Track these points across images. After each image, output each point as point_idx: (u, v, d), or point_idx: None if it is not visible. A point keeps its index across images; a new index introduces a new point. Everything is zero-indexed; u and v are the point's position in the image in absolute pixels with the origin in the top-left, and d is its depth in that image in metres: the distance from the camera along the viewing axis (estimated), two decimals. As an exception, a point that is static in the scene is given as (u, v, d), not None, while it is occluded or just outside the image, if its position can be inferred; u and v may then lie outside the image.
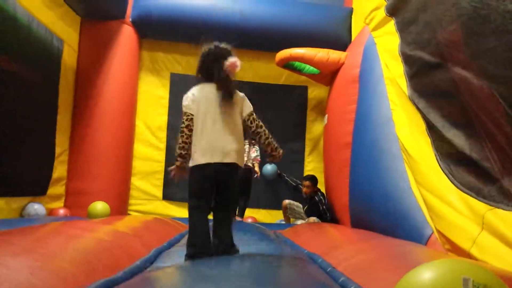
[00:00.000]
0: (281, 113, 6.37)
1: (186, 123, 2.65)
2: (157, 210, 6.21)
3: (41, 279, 1.42)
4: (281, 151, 2.70)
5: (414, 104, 3.36)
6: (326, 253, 2.69)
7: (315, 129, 6.64)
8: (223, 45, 2.68)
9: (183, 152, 2.64)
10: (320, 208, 5.52)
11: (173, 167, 2.66)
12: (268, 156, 2.77)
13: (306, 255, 2.71)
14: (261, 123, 2.66)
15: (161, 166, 6.39)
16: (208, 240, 2.43)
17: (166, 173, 6.31)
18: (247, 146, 5.60)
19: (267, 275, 1.48)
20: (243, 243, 2.65)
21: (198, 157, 2.53)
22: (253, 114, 2.64)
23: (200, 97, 2.62)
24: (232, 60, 2.54)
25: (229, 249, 2.42)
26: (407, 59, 3.59)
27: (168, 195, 6.28)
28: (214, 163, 2.47)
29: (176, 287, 1.33)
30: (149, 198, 6.32)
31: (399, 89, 3.67)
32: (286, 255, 2.34)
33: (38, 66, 4.77)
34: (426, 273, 0.83)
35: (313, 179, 5.75)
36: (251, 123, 2.63)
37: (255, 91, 5.73)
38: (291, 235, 3.93)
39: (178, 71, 6.58)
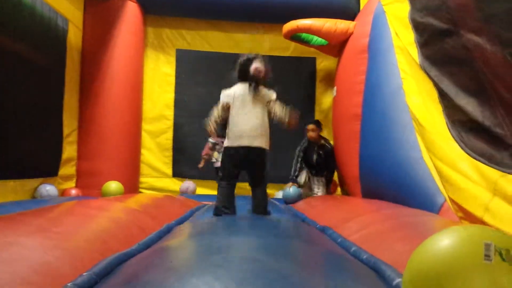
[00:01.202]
0: (290, 85, 6.29)
1: (222, 108, 3.28)
2: (167, 187, 6.25)
3: (56, 257, 1.43)
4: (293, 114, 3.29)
5: (426, 72, 3.29)
6: (337, 225, 2.69)
7: (324, 101, 6.56)
8: (252, 55, 3.32)
9: (215, 126, 3.30)
10: (332, 157, 5.37)
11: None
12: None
13: (317, 228, 2.72)
14: (279, 104, 3.26)
15: (169, 144, 6.41)
16: (232, 203, 3.10)
17: (175, 150, 6.34)
18: None
19: (278, 247, 1.47)
20: (255, 217, 2.66)
21: (231, 141, 3.14)
22: (275, 102, 3.24)
23: (236, 93, 3.25)
24: (255, 65, 3.22)
25: (264, 212, 3.11)
26: (418, 26, 3.50)
27: (177, 172, 6.31)
28: (244, 146, 3.08)
29: (188, 258, 1.33)
30: (159, 175, 6.36)
31: (410, 57, 3.59)
32: (297, 228, 2.34)
33: (44, 46, 4.73)
34: (446, 239, 0.79)
35: (317, 122, 5.54)
36: (273, 108, 3.24)
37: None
38: (302, 209, 3.94)
39: (184, 47, 6.50)
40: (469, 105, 2.80)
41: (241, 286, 1.00)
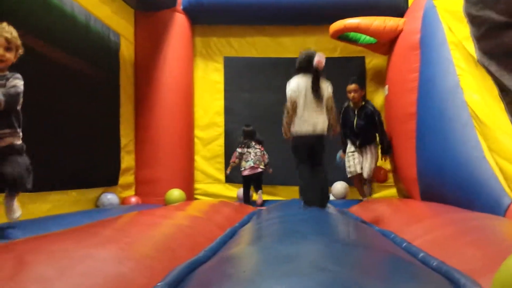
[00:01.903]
0: (339, 86, 6.20)
1: (291, 105, 3.57)
2: (221, 193, 6.35)
3: (129, 268, 1.49)
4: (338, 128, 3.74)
5: (485, 67, 3.11)
6: (398, 230, 2.63)
7: (375, 100, 6.41)
8: (312, 49, 3.71)
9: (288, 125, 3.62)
10: (376, 119, 5.10)
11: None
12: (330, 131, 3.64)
13: (378, 232, 2.66)
14: (333, 105, 3.62)
15: (221, 150, 6.51)
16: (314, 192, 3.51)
17: (227, 156, 6.42)
18: (261, 150, 5.73)
19: (346, 255, 1.46)
20: (315, 218, 2.64)
21: (298, 129, 3.53)
22: (331, 97, 3.61)
23: (300, 86, 3.56)
24: (317, 58, 3.51)
25: (326, 197, 3.63)
26: (474, 20, 3.31)
27: (230, 178, 6.39)
28: (311, 135, 3.50)
29: (259, 267, 1.34)
30: (212, 181, 6.47)
31: (466, 53, 3.46)
32: (361, 232, 2.31)
33: (99, 61, 4.97)
34: None
35: (359, 81, 5.38)
36: (329, 103, 3.59)
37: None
38: (358, 213, 3.88)
39: (232, 54, 6.60)
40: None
41: (316, 298, 1.01)
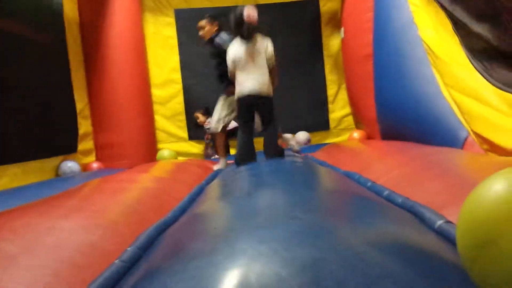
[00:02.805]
0: (294, 33, 6.13)
1: (230, 74, 3.60)
2: (186, 151, 6.29)
3: (98, 235, 1.46)
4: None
5: (438, 2, 3.16)
6: (363, 169, 2.69)
7: (332, 44, 6.40)
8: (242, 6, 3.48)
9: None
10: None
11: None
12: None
13: (343, 175, 2.72)
14: (275, 63, 3.53)
15: (181, 108, 6.38)
16: (251, 151, 3.54)
17: (188, 113, 6.31)
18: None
19: (313, 201, 1.48)
20: (279, 168, 2.66)
21: (237, 92, 3.50)
22: (272, 55, 3.47)
23: (237, 53, 3.48)
24: (247, 11, 3.36)
25: (278, 152, 3.53)
26: (425, -46, 3.34)
27: (193, 135, 6.33)
28: (250, 95, 3.41)
29: (230, 223, 1.34)
30: (176, 140, 6.38)
31: (419, -12, 3.45)
32: (325, 176, 2.35)
33: (42, 24, 4.66)
34: (503, 181, 0.74)
35: (211, 17, 4.41)
36: (270, 62, 3.48)
37: (262, 13, 5.51)
38: (323, 157, 3.94)
39: (182, 6, 6.33)
40: (485, 30, 2.72)
41: (289, 247, 1.01)
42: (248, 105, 3.47)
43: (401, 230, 1.18)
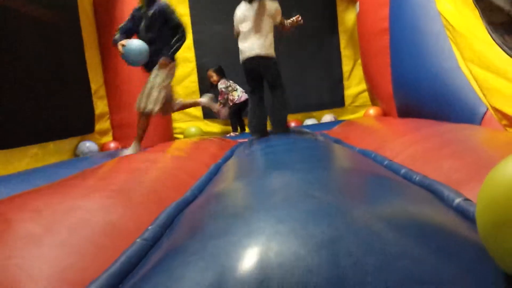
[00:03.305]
0: (309, 7, 6.04)
1: (235, 34, 3.74)
2: (199, 128, 6.32)
3: (118, 215, 1.49)
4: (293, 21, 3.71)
5: (457, -26, 3.07)
6: (379, 147, 2.68)
7: (347, 19, 6.29)
8: None
9: None
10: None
11: None
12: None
13: (358, 153, 2.71)
14: (282, 19, 3.60)
15: (195, 86, 6.39)
16: (260, 123, 3.62)
17: (201, 92, 6.32)
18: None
19: (330, 180, 1.48)
20: (295, 146, 2.66)
21: (240, 57, 3.62)
22: (277, 13, 3.57)
23: (240, 13, 3.67)
24: None
25: (283, 127, 3.57)
26: None
27: (208, 114, 6.34)
28: (250, 58, 3.50)
29: (247, 203, 1.35)
30: (191, 119, 6.41)
31: (438, -40, 3.35)
32: (341, 154, 2.35)
33: (55, 5, 4.66)
34: None
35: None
36: (276, 20, 3.56)
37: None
38: (338, 135, 3.93)
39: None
40: (507, 3, 2.64)
41: (305, 227, 1.02)
42: (250, 70, 3.55)
43: (419, 208, 1.18)
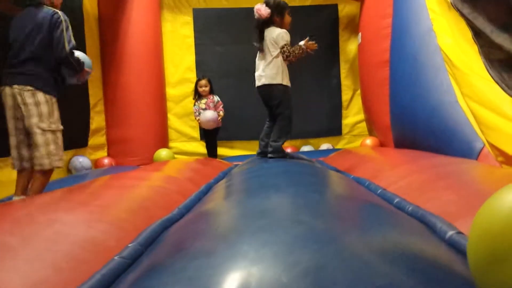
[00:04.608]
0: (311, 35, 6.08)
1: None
2: (196, 150, 6.28)
3: (100, 231, 1.44)
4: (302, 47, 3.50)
5: (458, 10, 3.10)
6: (374, 176, 2.64)
7: (349, 49, 6.34)
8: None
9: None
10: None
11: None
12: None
13: (352, 180, 2.67)
14: (287, 53, 3.42)
15: (194, 107, 6.37)
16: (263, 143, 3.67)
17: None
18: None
19: (321, 205, 1.44)
20: (289, 169, 2.63)
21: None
22: (284, 47, 3.41)
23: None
24: (255, 7, 3.50)
25: (272, 152, 3.46)
26: (447, -39, 3.27)
27: (204, 136, 6.30)
28: (258, 87, 3.55)
29: (233, 224, 1.31)
30: (187, 139, 6.37)
31: (439, -5, 3.39)
32: (334, 181, 2.31)
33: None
34: None
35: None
36: (278, 43, 3.43)
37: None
38: (334, 162, 3.90)
39: (200, 5, 6.33)
40: (507, 41, 2.65)
41: (291, 251, 0.98)
42: (261, 98, 3.60)
43: (410, 239, 1.14)
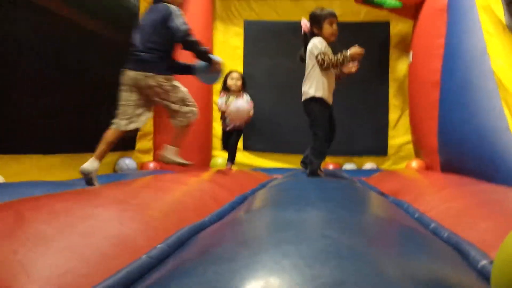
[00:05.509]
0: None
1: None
2: (239, 161, 6.32)
3: (132, 228, 1.48)
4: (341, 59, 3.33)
5: (514, 32, 2.98)
6: (414, 199, 2.56)
7: (399, 68, 6.22)
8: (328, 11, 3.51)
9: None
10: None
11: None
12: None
13: (391, 202, 2.61)
14: (321, 61, 3.30)
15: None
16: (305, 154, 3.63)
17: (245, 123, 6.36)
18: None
19: (350, 222, 1.41)
20: (328, 186, 2.60)
21: None
22: (318, 56, 3.31)
23: None
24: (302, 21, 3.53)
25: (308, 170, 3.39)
26: (505, -18, 3.16)
27: (248, 146, 6.36)
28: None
29: (259, 233, 1.31)
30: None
31: (495, 17, 3.26)
32: (371, 201, 2.26)
33: (118, 23, 4.91)
34: None
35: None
36: (312, 54, 3.36)
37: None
38: (376, 183, 3.81)
39: (252, 17, 6.43)
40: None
41: (311, 265, 0.97)
42: None
43: (438, 265, 1.10)
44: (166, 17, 3.36)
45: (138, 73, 3.32)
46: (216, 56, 3.84)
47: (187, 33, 3.41)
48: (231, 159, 5.04)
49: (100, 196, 1.81)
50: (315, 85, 3.35)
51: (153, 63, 3.34)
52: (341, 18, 6.09)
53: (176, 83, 3.53)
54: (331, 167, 5.85)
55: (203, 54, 3.62)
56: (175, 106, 3.49)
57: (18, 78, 3.48)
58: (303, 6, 6.30)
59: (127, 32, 5.11)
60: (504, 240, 0.73)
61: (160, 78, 3.34)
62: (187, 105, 3.54)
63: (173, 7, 3.42)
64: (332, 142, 3.61)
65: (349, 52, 3.30)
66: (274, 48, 6.37)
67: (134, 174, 4.53)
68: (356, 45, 3.35)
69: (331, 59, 3.27)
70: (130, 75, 3.32)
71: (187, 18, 5.69)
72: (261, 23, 6.41)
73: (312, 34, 3.47)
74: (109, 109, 4.68)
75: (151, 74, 3.31)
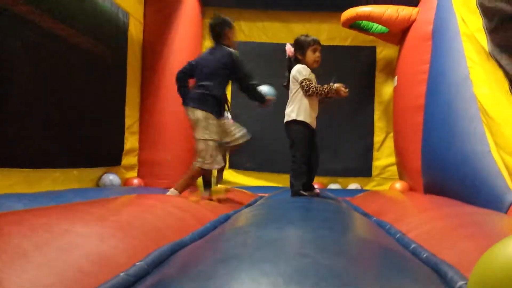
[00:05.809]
0: (349, 75, 6.12)
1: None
2: (224, 178, 6.31)
3: (110, 246, 1.47)
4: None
5: (496, 60, 3.06)
6: (396, 220, 2.58)
7: (384, 91, 6.34)
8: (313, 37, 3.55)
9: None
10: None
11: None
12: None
13: (374, 222, 2.62)
14: (306, 87, 3.34)
15: (226, 135, 6.45)
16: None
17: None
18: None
19: (330, 242, 1.42)
20: (310, 206, 2.60)
21: None
22: (302, 82, 3.35)
23: None
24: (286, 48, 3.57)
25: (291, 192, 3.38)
26: (486, 12, 3.26)
27: (234, 164, 6.36)
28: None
29: (238, 252, 1.31)
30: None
31: (478, 45, 3.35)
32: (352, 221, 2.27)
33: (106, 40, 4.93)
34: None
35: None
36: (295, 79, 3.43)
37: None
38: (360, 203, 3.83)
39: (241, 39, 6.51)
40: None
41: (289, 283, 0.97)
42: None
43: (416, 286, 1.11)
44: (229, 63, 3.65)
45: None
46: (268, 88, 4.00)
47: (252, 79, 3.73)
48: (219, 177, 5.07)
49: (81, 212, 1.79)
50: (297, 109, 3.39)
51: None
52: (329, 42, 6.28)
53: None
54: (316, 186, 5.85)
55: (262, 98, 3.84)
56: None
57: (5, 92, 3.46)
58: (291, 29, 6.41)
59: (116, 49, 5.16)
60: (477, 261, 0.74)
61: None
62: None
63: (235, 54, 3.69)
64: (316, 169, 3.61)
65: (335, 86, 3.37)
66: (262, 69, 6.42)
67: (118, 189, 4.49)
68: (343, 85, 3.43)
69: (317, 88, 3.33)
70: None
71: (176, 38, 5.80)
72: (249, 44, 6.49)
73: (295, 60, 3.53)
74: (96, 124, 4.70)
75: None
